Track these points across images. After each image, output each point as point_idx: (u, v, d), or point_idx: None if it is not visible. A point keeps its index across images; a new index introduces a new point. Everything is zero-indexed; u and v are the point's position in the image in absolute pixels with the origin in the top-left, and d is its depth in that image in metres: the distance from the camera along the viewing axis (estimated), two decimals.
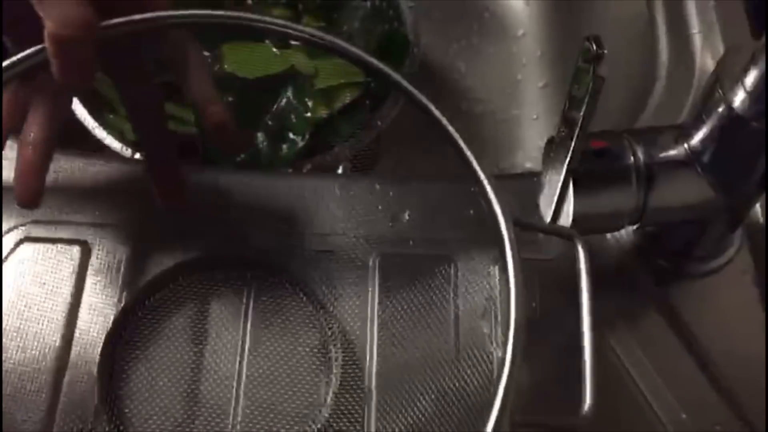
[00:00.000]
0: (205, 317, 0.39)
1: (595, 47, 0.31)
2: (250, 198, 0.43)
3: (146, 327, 0.39)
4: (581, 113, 0.33)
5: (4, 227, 0.40)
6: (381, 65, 0.36)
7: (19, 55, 0.34)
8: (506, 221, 0.31)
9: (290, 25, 0.37)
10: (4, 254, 0.40)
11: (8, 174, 0.38)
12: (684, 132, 0.36)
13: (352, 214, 0.42)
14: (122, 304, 0.39)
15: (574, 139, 0.34)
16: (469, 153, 0.33)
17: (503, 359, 0.28)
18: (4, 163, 0.40)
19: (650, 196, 0.36)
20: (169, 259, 0.40)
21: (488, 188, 0.32)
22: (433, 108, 0.34)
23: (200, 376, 0.38)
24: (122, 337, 0.39)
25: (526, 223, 0.33)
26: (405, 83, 0.35)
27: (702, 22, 0.49)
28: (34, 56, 0.34)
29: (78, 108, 0.47)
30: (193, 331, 0.39)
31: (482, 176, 0.32)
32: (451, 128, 0.34)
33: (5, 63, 0.34)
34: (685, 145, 0.36)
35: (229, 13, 0.37)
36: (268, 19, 0.37)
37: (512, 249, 0.30)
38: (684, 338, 0.40)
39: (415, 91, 0.35)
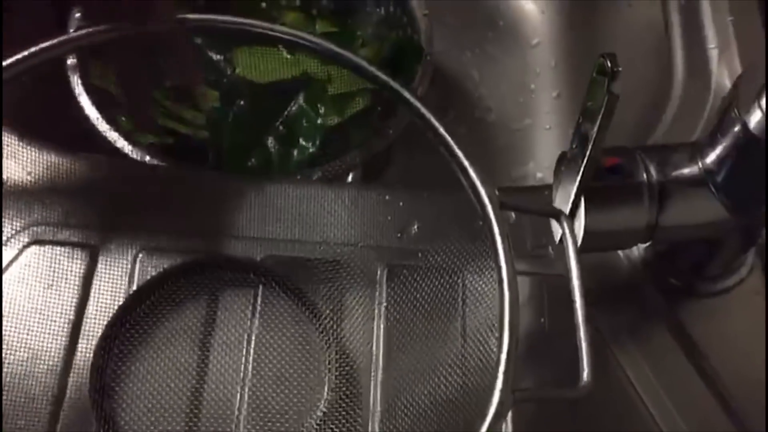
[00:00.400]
0: (209, 321, 0.39)
1: (610, 65, 0.30)
2: (259, 203, 0.43)
3: (149, 329, 0.39)
4: (594, 130, 0.32)
5: (13, 229, 0.40)
6: (379, 73, 0.36)
7: (18, 56, 0.34)
8: (490, 199, 0.31)
9: (293, 32, 0.37)
10: (12, 256, 0.40)
11: (8, 175, 0.39)
12: (698, 150, 0.36)
13: (361, 223, 0.42)
14: (125, 305, 0.39)
15: (587, 156, 0.33)
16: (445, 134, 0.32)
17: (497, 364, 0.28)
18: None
19: (662, 215, 0.35)
20: (175, 261, 0.40)
21: (469, 167, 0.31)
22: (426, 111, 0.34)
23: (203, 380, 0.38)
24: (123, 339, 0.39)
25: (511, 205, 0.33)
26: (405, 92, 0.35)
27: (719, 38, 0.49)
28: (32, 57, 0.34)
29: (90, 110, 0.47)
30: (198, 335, 0.39)
31: (460, 154, 0.32)
32: (442, 129, 0.33)
33: (5, 62, 0.34)
34: (699, 164, 0.35)
35: (238, 19, 0.37)
36: (277, 27, 0.37)
37: (499, 227, 0.30)
38: (693, 358, 0.39)
39: (416, 101, 0.35)
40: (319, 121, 0.55)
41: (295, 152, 0.55)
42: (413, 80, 0.52)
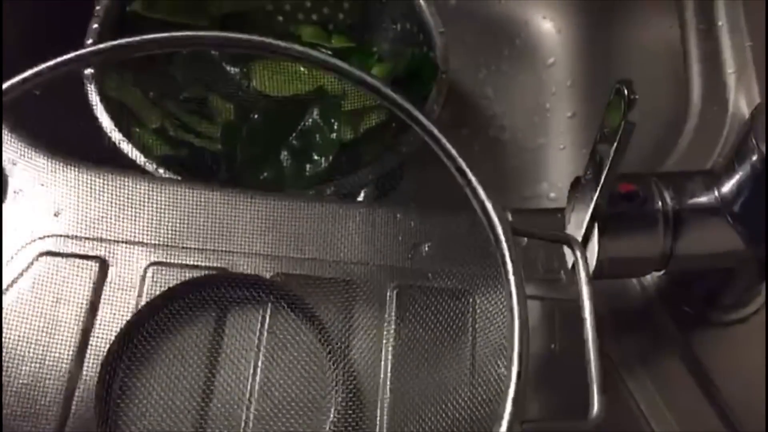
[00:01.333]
0: (217, 338, 0.39)
1: (626, 92, 0.30)
2: (270, 219, 0.43)
3: (156, 344, 0.39)
4: (609, 156, 0.32)
5: (24, 240, 0.40)
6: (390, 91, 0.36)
7: (20, 77, 0.34)
8: (503, 227, 0.30)
9: (305, 51, 0.37)
10: (22, 267, 0.40)
11: (21, 185, 0.39)
12: (714, 179, 0.35)
13: (372, 242, 0.42)
14: (133, 320, 0.39)
15: (601, 182, 0.33)
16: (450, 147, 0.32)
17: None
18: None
19: (678, 243, 0.35)
20: (185, 276, 0.40)
21: (482, 194, 0.31)
22: (438, 132, 0.34)
23: (209, 398, 0.37)
24: (131, 354, 0.38)
25: (523, 231, 0.33)
26: (417, 113, 0.35)
27: (737, 63, 0.48)
28: (34, 78, 0.34)
29: (105, 121, 0.47)
30: (205, 352, 0.39)
31: (474, 181, 0.32)
32: (455, 152, 0.33)
33: (5, 85, 0.34)
34: (716, 193, 0.35)
35: (252, 38, 0.37)
36: (294, 46, 0.37)
37: (511, 253, 0.30)
38: (705, 388, 0.39)
39: (429, 122, 0.34)
40: (333, 136, 0.55)
41: (308, 167, 0.54)
42: (428, 97, 0.52)
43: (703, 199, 0.35)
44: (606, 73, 0.64)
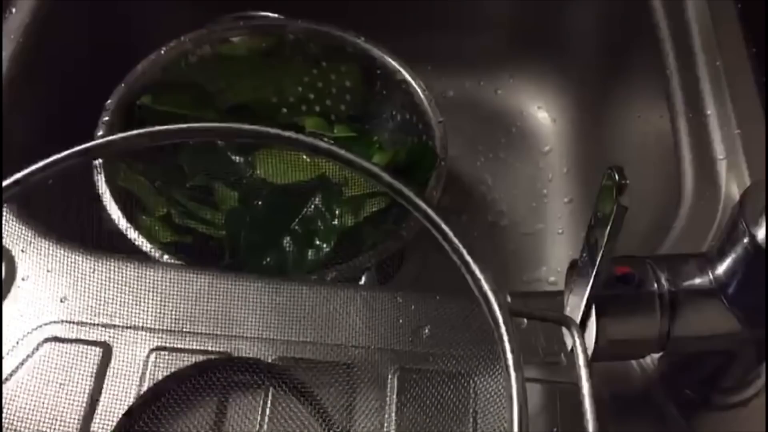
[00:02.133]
0: (218, 423, 0.39)
1: (617, 178, 0.31)
2: (272, 304, 0.43)
3: (158, 428, 0.39)
4: (603, 240, 0.33)
5: (30, 326, 0.41)
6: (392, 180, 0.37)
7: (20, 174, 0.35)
8: (501, 309, 0.31)
9: (313, 141, 0.39)
10: (27, 352, 0.40)
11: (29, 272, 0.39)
12: (708, 261, 0.36)
13: (373, 326, 0.42)
14: (135, 404, 0.39)
15: (597, 265, 0.34)
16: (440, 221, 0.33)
17: None
18: None
19: (675, 325, 0.35)
20: (188, 361, 0.41)
21: (480, 277, 0.32)
22: (438, 218, 0.35)
23: None
24: None
25: (519, 311, 0.33)
26: (417, 199, 0.36)
27: (727, 150, 0.50)
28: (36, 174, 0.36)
29: (112, 209, 0.48)
30: None
31: (472, 263, 0.32)
32: (453, 236, 0.34)
33: (5, 183, 0.35)
34: (710, 275, 0.36)
35: (261, 128, 0.38)
36: (301, 136, 0.39)
37: (509, 337, 0.30)
38: None
39: (428, 208, 0.36)
40: (334, 223, 0.56)
41: (311, 252, 0.55)
42: (427, 185, 0.53)
43: (698, 281, 0.36)
44: (601, 160, 0.66)
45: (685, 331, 0.36)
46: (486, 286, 0.32)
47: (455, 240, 0.34)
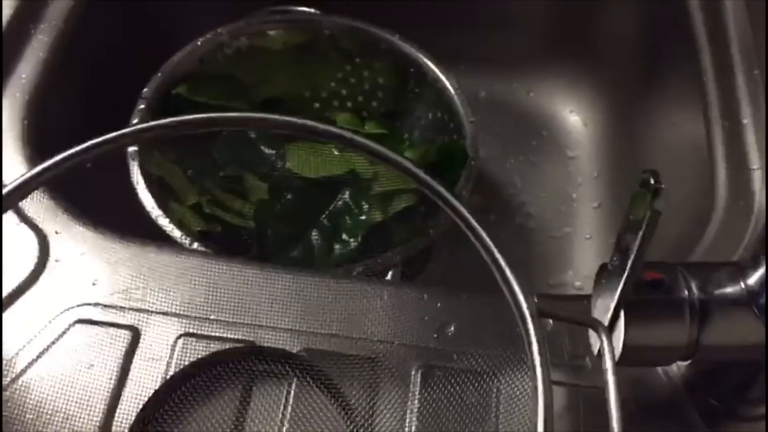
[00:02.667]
0: (242, 411, 0.39)
1: (653, 181, 0.31)
2: (299, 296, 0.43)
3: (182, 415, 0.39)
4: (636, 244, 0.33)
5: (60, 308, 0.42)
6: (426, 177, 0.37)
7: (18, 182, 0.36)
8: (529, 306, 0.31)
9: (345, 134, 0.39)
10: (58, 333, 0.41)
11: (63, 254, 0.40)
12: (741, 270, 0.36)
13: (398, 322, 0.42)
14: (161, 389, 0.39)
15: (627, 270, 0.33)
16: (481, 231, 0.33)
17: None
18: None
19: (703, 333, 0.35)
20: (213, 348, 0.41)
21: (509, 274, 0.32)
22: (468, 215, 0.35)
23: None
24: (156, 424, 0.39)
25: (549, 312, 0.33)
26: (449, 195, 0.36)
27: (762, 159, 0.49)
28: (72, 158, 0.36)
29: (145, 197, 0.49)
30: (229, 425, 0.39)
31: (501, 260, 0.32)
32: (484, 234, 0.34)
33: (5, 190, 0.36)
34: (742, 284, 0.35)
35: (293, 119, 0.39)
36: (333, 128, 0.39)
37: (537, 335, 0.30)
38: None
39: (459, 205, 0.36)
40: (362, 218, 0.56)
41: (338, 247, 0.56)
42: (457, 184, 0.53)
43: (729, 290, 0.35)
44: (631, 166, 0.66)
45: (714, 340, 0.35)
46: (516, 287, 0.32)
47: (487, 239, 0.34)
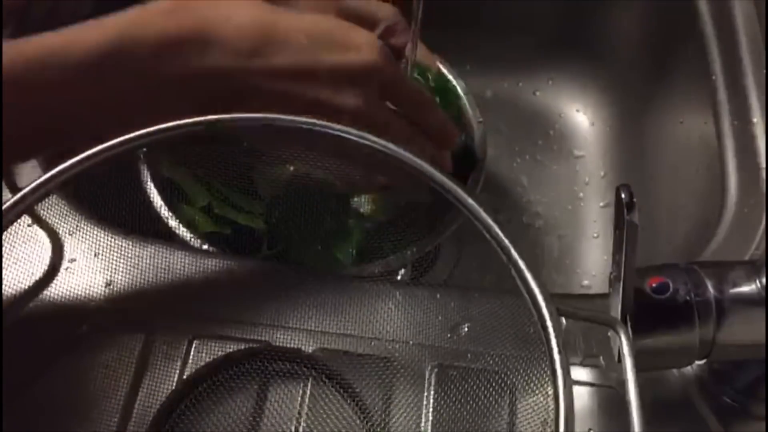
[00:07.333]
0: (257, 412, 0.39)
1: (624, 197, 0.31)
2: (313, 294, 0.44)
3: (197, 417, 0.39)
4: (623, 257, 0.33)
5: (74, 308, 0.42)
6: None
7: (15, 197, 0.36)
8: (547, 305, 0.31)
9: (351, 131, 0.39)
10: (71, 335, 0.41)
11: (77, 255, 0.40)
12: (756, 269, 0.36)
13: (412, 321, 0.42)
14: (175, 391, 0.39)
15: (622, 282, 0.34)
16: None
17: None
18: None
19: (719, 332, 0.35)
20: (228, 349, 0.41)
21: (527, 273, 0.32)
22: (484, 214, 0.35)
23: None
24: (172, 426, 0.39)
25: (568, 311, 0.33)
26: (464, 195, 0.36)
27: None
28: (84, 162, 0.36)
29: (155, 197, 0.49)
30: (246, 422, 0.39)
31: (519, 260, 0.32)
32: (501, 233, 0.34)
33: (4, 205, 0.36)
34: (757, 283, 0.35)
35: (299, 119, 0.39)
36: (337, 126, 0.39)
37: (556, 334, 0.30)
38: None
39: (474, 204, 0.36)
40: (372, 217, 0.56)
41: (348, 246, 0.56)
42: (465, 184, 0.53)
43: (745, 288, 0.36)
44: (640, 165, 0.66)
45: (730, 339, 0.36)
46: (534, 286, 0.32)
47: (504, 238, 0.34)
